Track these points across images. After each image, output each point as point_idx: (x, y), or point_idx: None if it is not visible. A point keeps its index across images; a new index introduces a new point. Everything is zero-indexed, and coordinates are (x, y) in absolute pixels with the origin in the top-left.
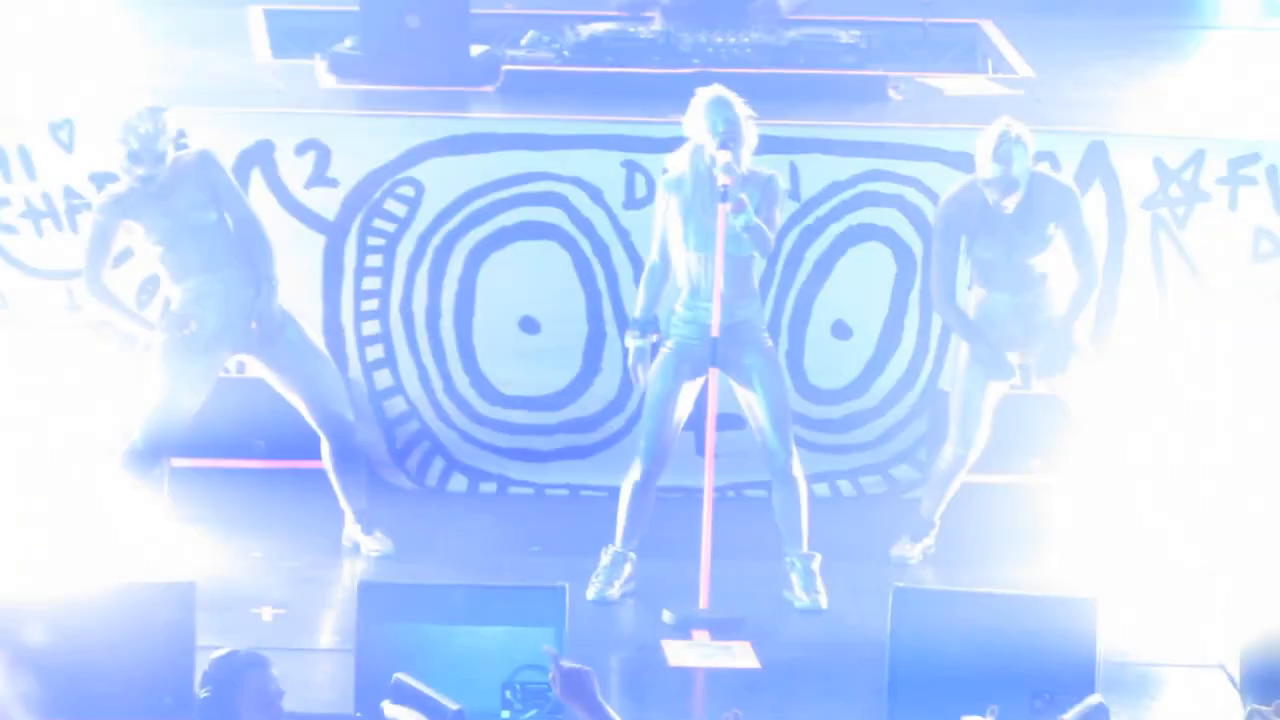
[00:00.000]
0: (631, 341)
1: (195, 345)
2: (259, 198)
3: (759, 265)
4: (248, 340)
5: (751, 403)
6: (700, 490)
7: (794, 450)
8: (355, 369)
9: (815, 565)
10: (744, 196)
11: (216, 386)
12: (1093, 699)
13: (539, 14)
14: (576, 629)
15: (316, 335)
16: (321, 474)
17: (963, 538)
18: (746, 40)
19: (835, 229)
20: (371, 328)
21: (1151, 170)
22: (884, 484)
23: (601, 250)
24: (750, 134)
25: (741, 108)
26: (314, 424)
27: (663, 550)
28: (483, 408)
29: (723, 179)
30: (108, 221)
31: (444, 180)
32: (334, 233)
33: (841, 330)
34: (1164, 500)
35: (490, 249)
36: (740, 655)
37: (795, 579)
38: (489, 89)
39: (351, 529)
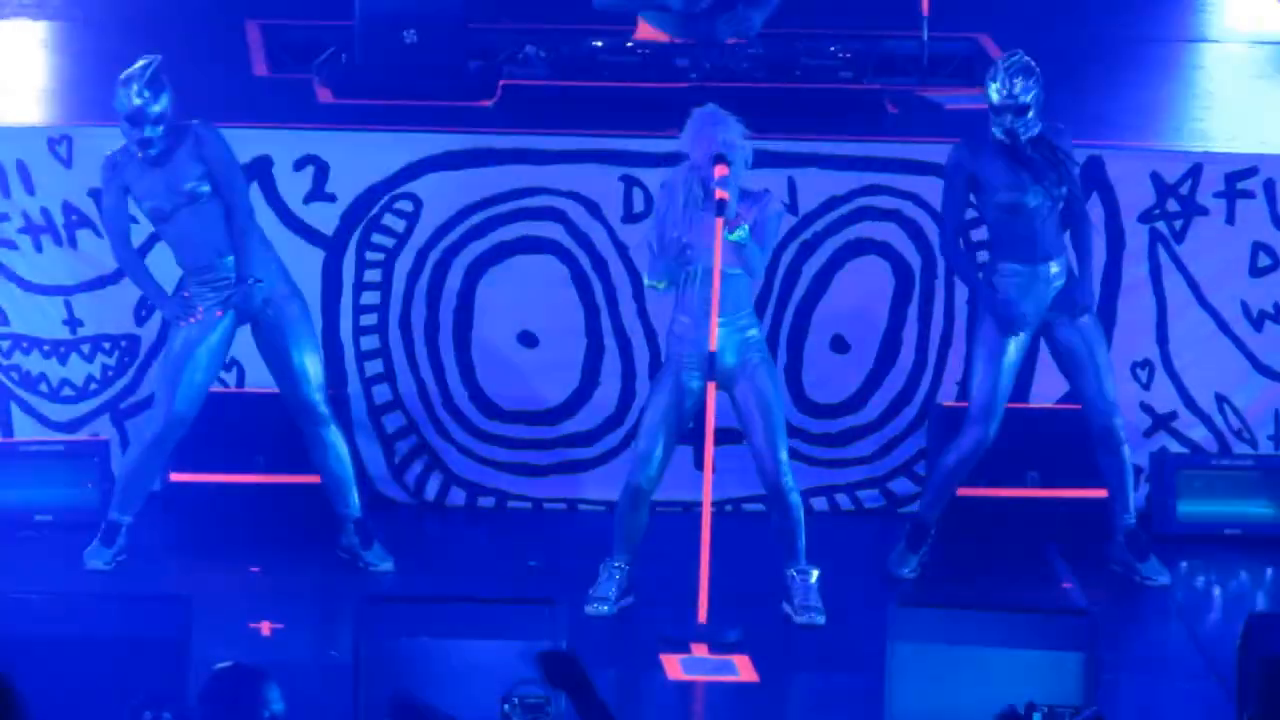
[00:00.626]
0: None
1: (203, 324)
2: (258, 213)
3: (756, 281)
4: (240, 320)
5: (746, 418)
6: (699, 505)
7: (788, 466)
8: (354, 383)
9: (814, 580)
10: (740, 213)
11: (214, 401)
12: (1089, 712)
13: (536, 29)
14: (575, 643)
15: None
16: (320, 487)
17: (961, 552)
18: (744, 55)
19: (833, 243)
20: (370, 342)
21: (1149, 184)
22: (882, 498)
23: (599, 265)
24: (746, 152)
25: (737, 125)
26: (292, 411)
27: (661, 564)
28: (481, 422)
29: (719, 194)
30: (110, 190)
31: (442, 195)
32: (332, 248)
33: (839, 345)
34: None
35: (488, 263)
36: (739, 670)
37: (794, 593)
38: (487, 104)
39: (349, 542)
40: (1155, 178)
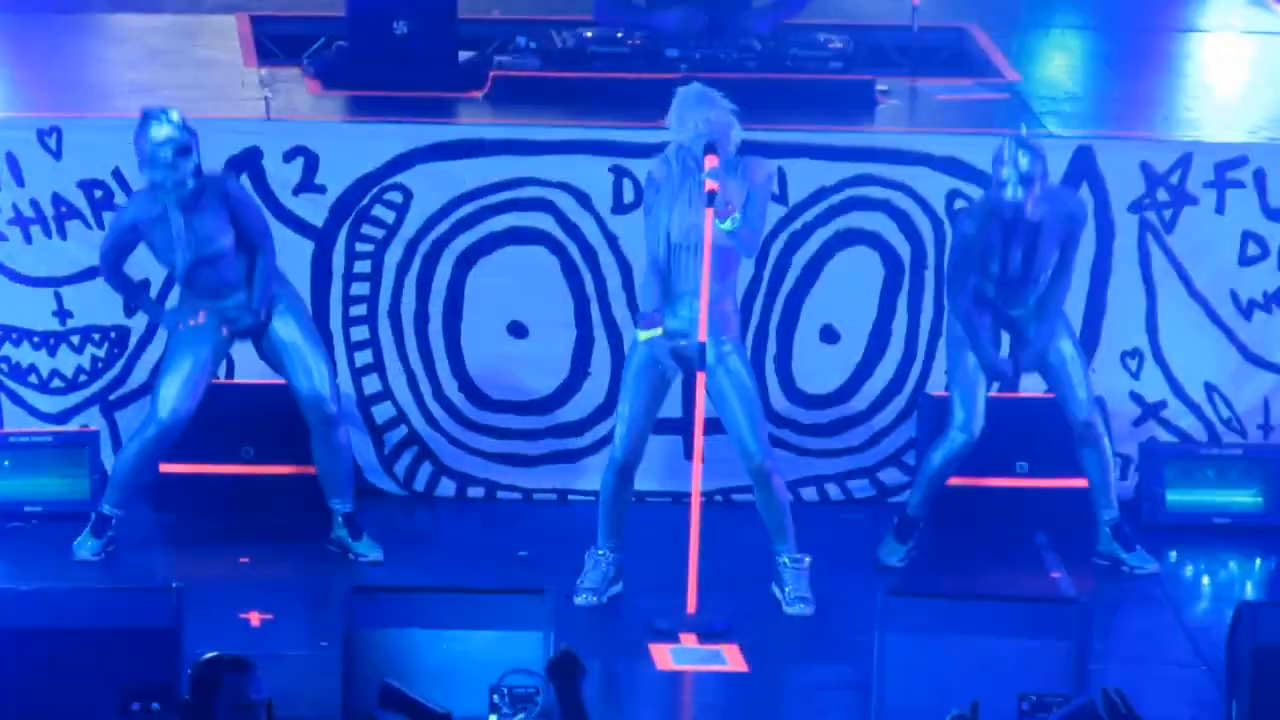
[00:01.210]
0: (643, 334)
1: (200, 330)
2: None
3: (744, 270)
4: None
5: (722, 404)
6: (688, 495)
7: (769, 449)
8: (344, 374)
9: (806, 567)
10: (731, 202)
11: (204, 393)
12: (1079, 701)
13: (526, 20)
14: (564, 633)
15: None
16: (309, 479)
17: (950, 541)
18: (734, 46)
19: (823, 234)
20: (360, 333)
21: (1138, 174)
22: (871, 488)
23: (589, 255)
24: (734, 132)
25: (723, 104)
26: (304, 412)
27: (651, 554)
28: (471, 413)
29: (709, 185)
30: (124, 234)
31: (432, 186)
32: (322, 239)
33: (829, 335)
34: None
35: (478, 254)
36: (728, 659)
37: (785, 580)
38: (477, 95)
39: (339, 533)
40: (1145, 167)
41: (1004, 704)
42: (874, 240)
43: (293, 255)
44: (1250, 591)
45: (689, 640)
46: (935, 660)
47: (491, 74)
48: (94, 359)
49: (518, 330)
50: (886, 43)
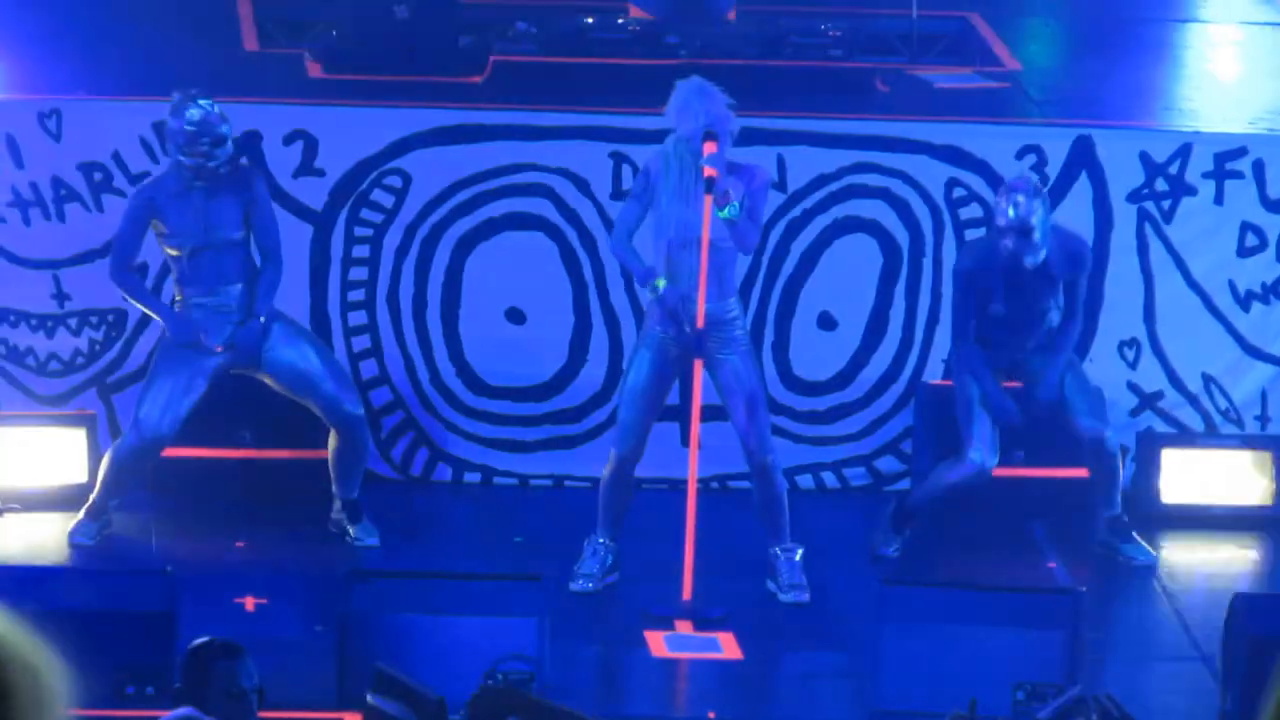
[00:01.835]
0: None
1: (198, 351)
2: None
3: (742, 260)
4: (239, 359)
5: (728, 395)
6: (684, 482)
7: (772, 442)
8: (342, 358)
9: (798, 558)
10: (730, 190)
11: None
12: (1073, 691)
13: (527, 4)
14: (559, 620)
15: (303, 325)
16: (305, 464)
17: (946, 531)
18: (734, 32)
19: (822, 221)
20: (358, 318)
21: (1138, 164)
22: (868, 476)
23: (588, 241)
24: (732, 124)
25: (722, 97)
26: (327, 422)
27: (646, 541)
28: (468, 398)
29: (708, 171)
30: (136, 219)
31: (431, 171)
32: (321, 223)
33: (827, 322)
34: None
35: (477, 240)
36: (723, 647)
37: (779, 571)
38: (476, 80)
39: (338, 515)
40: (1144, 157)
41: (999, 693)
42: (873, 228)
43: (292, 239)
44: (1246, 583)
45: (684, 627)
46: (931, 649)
47: (491, 59)
48: (92, 342)
49: (516, 316)
50: (887, 30)
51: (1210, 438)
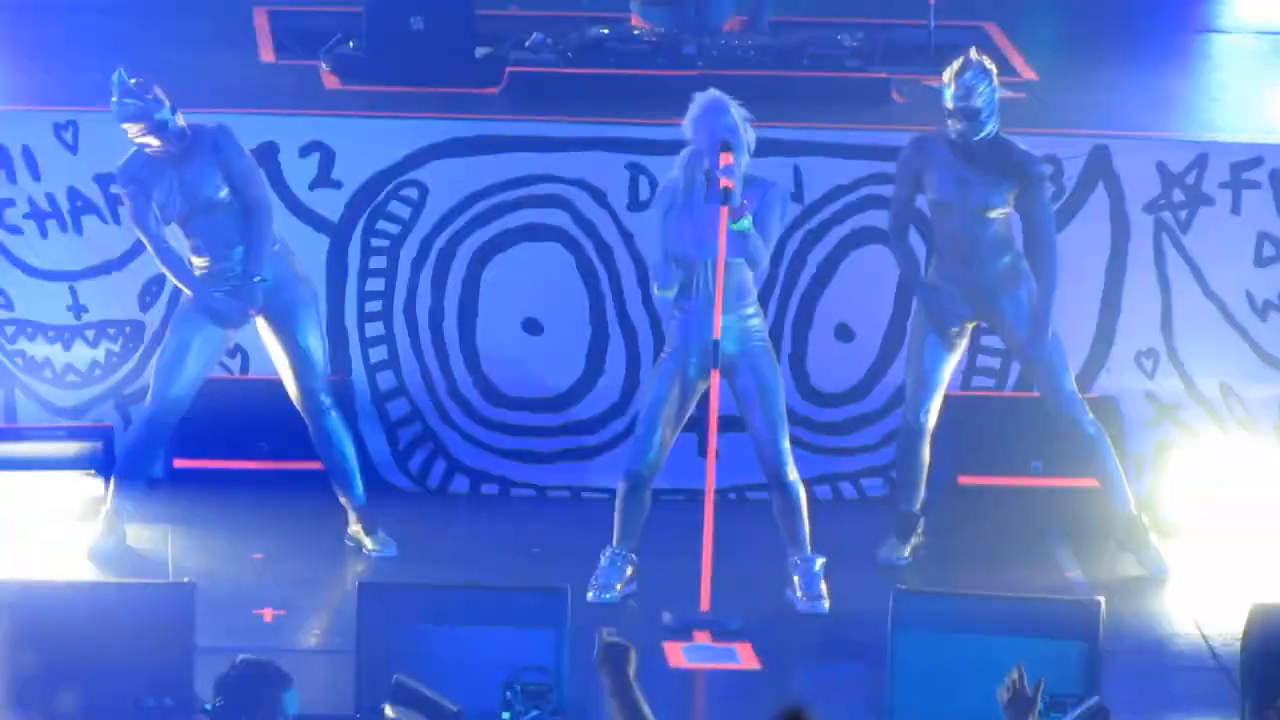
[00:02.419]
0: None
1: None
2: None
3: (761, 271)
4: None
5: (747, 406)
6: (702, 492)
7: (789, 455)
8: (359, 370)
9: (818, 568)
10: (745, 202)
11: (218, 388)
12: (1093, 701)
13: (543, 16)
14: (577, 631)
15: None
16: (323, 474)
17: (964, 540)
18: (750, 43)
19: (839, 232)
20: (375, 329)
21: (1154, 174)
22: (886, 486)
23: (605, 252)
24: (749, 138)
25: (739, 111)
26: (300, 408)
27: (664, 552)
28: (485, 409)
29: (724, 182)
30: (137, 198)
31: (448, 182)
32: (338, 234)
33: (844, 333)
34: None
35: (494, 251)
36: (741, 658)
37: (798, 581)
38: (493, 91)
39: (354, 528)
40: (1161, 167)
41: None
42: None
43: (308, 250)
44: (1264, 592)
45: (702, 638)
46: (948, 659)
47: (508, 70)
48: (109, 353)
49: (532, 327)
50: (903, 41)
51: (1228, 447)
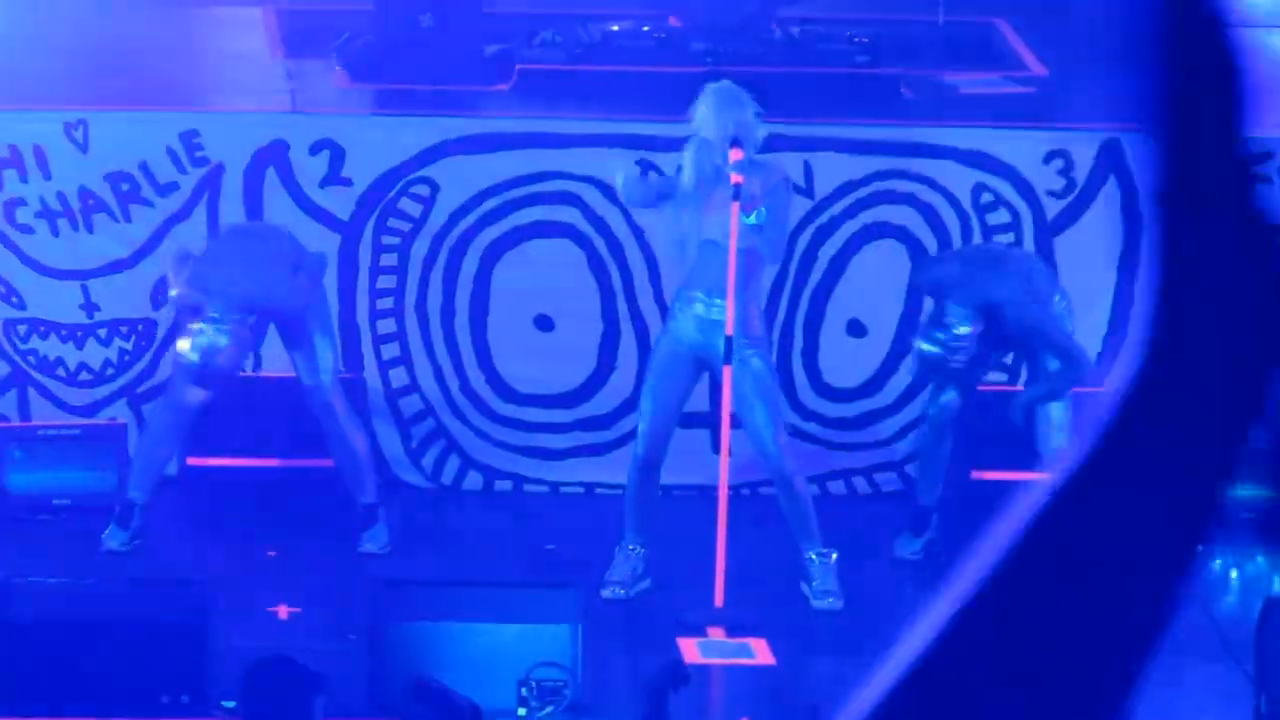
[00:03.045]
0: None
1: None
2: (273, 198)
3: (771, 268)
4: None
5: (743, 402)
6: (715, 488)
7: (788, 449)
8: (371, 367)
9: (832, 562)
10: (757, 194)
11: (230, 386)
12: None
13: (553, 13)
14: (592, 627)
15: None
16: (336, 472)
17: (976, 535)
18: (760, 39)
19: (849, 227)
20: (386, 326)
21: None
22: (899, 481)
23: (616, 248)
24: (759, 131)
25: (750, 105)
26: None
27: (678, 548)
28: (498, 406)
29: (735, 177)
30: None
31: (458, 179)
32: (349, 232)
33: (856, 328)
34: None
35: (505, 248)
36: (755, 653)
37: (813, 576)
38: (503, 88)
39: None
40: None
41: None
42: (901, 234)
43: (319, 248)
44: (1279, 586)
45: (717, 634)
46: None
47: (518, 67)
48: (121, 352)
49: (544, 324)
50: (913, 37)
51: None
